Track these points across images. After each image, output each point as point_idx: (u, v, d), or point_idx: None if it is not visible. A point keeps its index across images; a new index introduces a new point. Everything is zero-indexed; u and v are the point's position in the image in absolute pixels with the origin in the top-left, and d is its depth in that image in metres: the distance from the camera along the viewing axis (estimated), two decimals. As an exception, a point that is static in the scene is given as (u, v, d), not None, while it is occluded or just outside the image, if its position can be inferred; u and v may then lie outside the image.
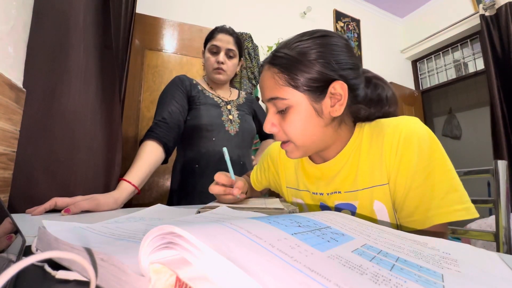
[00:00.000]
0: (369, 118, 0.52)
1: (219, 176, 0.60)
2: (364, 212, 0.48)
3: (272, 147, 0.70)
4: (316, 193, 0.55)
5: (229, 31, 0.94)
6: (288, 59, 0.45)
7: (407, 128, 0.44)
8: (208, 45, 0.93)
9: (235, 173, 0.63)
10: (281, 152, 0.65)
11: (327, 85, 0.45)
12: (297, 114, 0.46)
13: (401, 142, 0.43)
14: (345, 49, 0.47)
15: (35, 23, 0.70)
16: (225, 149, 0.60)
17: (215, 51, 0.92)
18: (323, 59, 0.44)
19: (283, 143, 0.50)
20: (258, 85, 0.50)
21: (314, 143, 0.48)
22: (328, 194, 0.52)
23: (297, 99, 0.45)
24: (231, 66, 0.94)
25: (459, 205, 0.39)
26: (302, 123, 0.46)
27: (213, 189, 0.59)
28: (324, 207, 0.54)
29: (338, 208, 0.52)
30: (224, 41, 0.91)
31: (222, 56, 0.91)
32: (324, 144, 0.49)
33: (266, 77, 0.48)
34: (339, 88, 0.45)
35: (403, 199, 0.43)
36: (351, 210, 0.50)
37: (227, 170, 0.62)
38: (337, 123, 0.48)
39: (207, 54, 0.94)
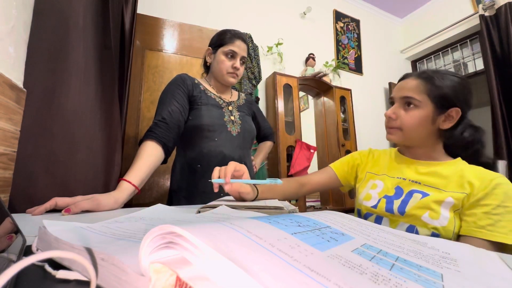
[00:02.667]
0: (452, 153, 0.68)
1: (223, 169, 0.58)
2: (433, 199, 0.60)
3: (361, 151, 0.87)
4: (400, 178, 0.70)
5: (245, 39, 0.97)
6: (434, 79, 0.64)
7: (503, 179, 0.57)
8: (225, 49, 0.93)
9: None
10: (376, 152, 0.84)
11: (449, 107, 0.63)
12: (419, 113, 0.64)
13: (493, 182, 0.56)
14: (471, 94, 0.66)
15: (35, 23, 0.70)
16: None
17: (232, 56, 0.94)
18: (456, 90, 0.63)
19: (392, 128, 0.68)
20: (396, 84, 0.71)
21: (414, 137, 0.67)
22: (410, 180, 0.67)
23: (426, 103, 0.64)
24: (241, 71, 0.98)
25: None
26: (419, 120, 0.64)
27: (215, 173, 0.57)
28: (398, 189, 0.68)
29: (412, 192, 0.65)
30: (242, 49, 0.95)
31: (239, 62, 0.95)
32: (418, 142, 0.68)
33: (410, 82, 0.67)
34: (456, 112, 0.63)
35: (478, 217, 0.56)
36: (423, 195, 0.62)
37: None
38: (435, 135, 0.66)
39: (223, 57, 0.94)
